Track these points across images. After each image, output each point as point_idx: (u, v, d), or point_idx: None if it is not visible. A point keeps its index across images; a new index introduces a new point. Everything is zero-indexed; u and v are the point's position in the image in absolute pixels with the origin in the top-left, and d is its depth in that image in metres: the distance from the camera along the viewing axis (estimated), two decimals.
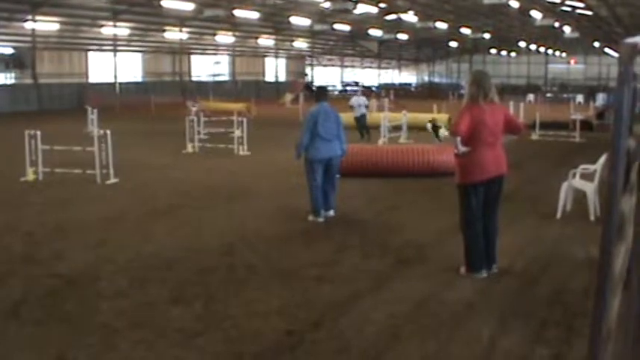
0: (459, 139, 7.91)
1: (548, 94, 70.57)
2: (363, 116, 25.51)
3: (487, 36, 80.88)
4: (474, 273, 8.02)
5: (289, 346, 6.01)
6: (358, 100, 25.96)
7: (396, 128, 25.25)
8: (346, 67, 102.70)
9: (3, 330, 6.50)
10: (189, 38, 66.69)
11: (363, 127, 25.13)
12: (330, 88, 57.43)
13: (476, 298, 7.24)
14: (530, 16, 59.52)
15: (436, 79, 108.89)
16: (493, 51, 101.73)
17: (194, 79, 71.35)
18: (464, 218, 8.11)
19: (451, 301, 7.14)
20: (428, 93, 77.82)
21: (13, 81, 54.70)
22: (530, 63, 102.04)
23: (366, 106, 26.34)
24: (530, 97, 52.05)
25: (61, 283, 7.86)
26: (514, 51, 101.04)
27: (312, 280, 7.90)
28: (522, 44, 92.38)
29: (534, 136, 26.15)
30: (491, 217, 8.16)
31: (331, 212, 11.43)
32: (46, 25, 52.01)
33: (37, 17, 50.35)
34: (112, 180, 15.48)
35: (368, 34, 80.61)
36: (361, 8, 58.33)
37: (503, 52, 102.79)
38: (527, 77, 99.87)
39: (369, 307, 6.98)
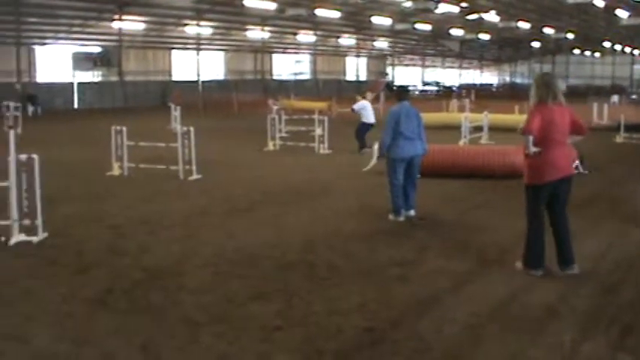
0: (530, 138, 7.95)
1: (634, 96, 68.80)
2: (371, 125, 21.89)
3: (570, 36, 79.31)
4: (531, 270, 8.10)
5: (369, 344, 6.00)
6: (364, 105, 22.27)
7: (477, 129, 24.95)
8: (427, 66, 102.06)
9: (91, 317, 6.67)
10: (271, 37, 67.29)
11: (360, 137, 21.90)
12: (410, 88, 57.05)
13: (557, 302, 7.10)
14: (615, 15, 58.17)
15: (518, 80, 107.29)
16: (576, 51, 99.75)
17: (275, 77, 71.90)
18: (531, 217, 8.22)
19: (532, 304, 7.01)
20: (509, 94, 76.68)
21: (100, 78, 56.03)
22: (615, 63, 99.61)
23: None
24: (615, 98, 50.80)
25: (146, 276, 8.03)
26: (598, 51, 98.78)
27: (392, 279, 7.88)
28: (607, 44, 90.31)
29: (619, 139, 25.46)
30: (562, 216, 8.28)
31: (412, 212, 11.36)
32: (132, 24, 53.27)
33: (124, 17, 51.62)
34: (195, 176, 15.71)
35: (449, 34, 79.98)
36: (443, 8, 57.94)
37: (587, 53, 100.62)
38: (611, 78, 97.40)
39: (449, 308, 6.92)
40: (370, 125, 21.74)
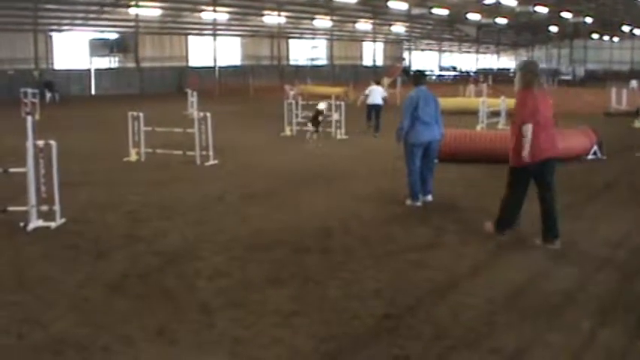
0: (530, 127, 8.41)
1: None
2: (377, 106, 22.95)
3: (589, 20, 78.66)
4: (498, 232, 8.98)
5: (386, 330, 5.98)
6: (374, 89, 23.42)
7: (495, 114, 24.82)
8: (444, 51, 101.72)
9: (108, 302, 6.70)
10: (288, 22, 67.19)
11: (370, 118, 23.06)
12: (427, 73, 56.86)
13: (575, 288, 7.05)
14: None
15: None
16: (595, 36, 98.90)
17: (292, 63, 71.79)
18: (513, 189, 8.92)
19: (549, 291, 6.97)
20: None
21: (117, 65, 56.14)
22: (634, 48, 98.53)
23: (384, 99, 23.48)
24: (634, 83, 50.32)
25: (162, 260, 8.05)
26: (617, 35, 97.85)
27: (409, 264, 7.86)
28: (626, 29, 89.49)
29: (637, 124, 25.25)
30: (548, 193, 8.78)
31: (429, 197, 11.34)
32: (149, 10, 53.31)
33: (140, 3, 51.60)
34: (212, 162, 15.74)
35: (466, 19, 79.58)
36: None
37: (606, 37, 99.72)
38: (630, 63, 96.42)
39: (466, 293, 6.89)
40: (372, 106, 22.98)
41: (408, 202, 11.16)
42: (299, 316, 6.28)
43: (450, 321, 6.16)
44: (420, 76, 12.04)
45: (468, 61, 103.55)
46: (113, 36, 55.17)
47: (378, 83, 24.56)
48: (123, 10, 52.87)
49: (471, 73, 72.41)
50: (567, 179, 13.60)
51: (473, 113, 24.67)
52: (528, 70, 8.82)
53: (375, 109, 22.86)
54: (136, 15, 53.51)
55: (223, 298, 6.75)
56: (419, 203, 11.13)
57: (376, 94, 23.23)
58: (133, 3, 51.53)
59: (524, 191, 8.88)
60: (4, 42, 47.66)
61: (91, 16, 51.78)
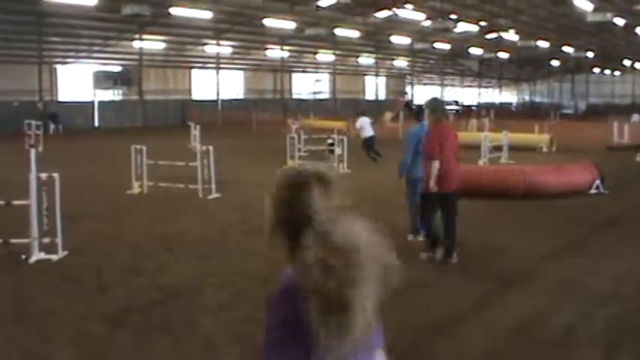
0: (436, 164, 9.29)
1: None
2: (371, 138, 24.45)
3: (590, 54, 79.06)
4: (431, 253, 9.75)
5: None
6: (364, 121, 24.80)
7: (497, 148, 24.86)
8: (446, 85, 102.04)
9: (109, 336, 6.68)
10: (290, 56, 67.53)
11: (371, 149, 24.31)
12: None
13: (577, 324, 7.03)
14: (636, 33, 58.04)
15: (537, 99, 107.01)
16: (596, 70, 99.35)
17: (295, 96, 72.06)
18: (425, 215, 9.90)
19: (553, 326, 6.95)
20: (529, 113, 76.45)
21: (120, 97, 56.40)
22: (635, 82, 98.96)
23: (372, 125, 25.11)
24: (635, 117, 50.48)
25: (164, 295, 8.03)
26: (618, 70, 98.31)
27: (410, 300, 7.82)
28: (627, 63, 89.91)
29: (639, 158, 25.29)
30: (450, 219, 9.76)
31: None
32: (153, 44, 53.67)
33: (144, 36, 52.00)
34: (214, 195, 15.75)
35: (468, 53, 79.97)
36: (462, 27, 57.99)
37: (607, 71, 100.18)
38: (631, 96, 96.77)
39: (468, 330, 6.87)
40: (371, 137, 24.38)
41: (410, 237, 11.14)
42: None
43: (453, 358, 6.13)
44: (422, 112, 12.06)
45: (470, 95, 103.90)
46: (117, 69, 55.47)
47: (363, 114, 25.81)
48: (127, 43, 53.21)
49: (473, 108, 72.65)
50: (570, 214, 13.62)
51: (475, 147, 24.70)
52: (435, 107, 9.70)
53: (371, 140, 24.35)
54: (140, 48, 53.85)
55: (227, 333, 6.73)
56: (421, 238, 11.10)
57: (367, 125, 24.67)
58: (137, 36, 51.93)
59: (436, 212, 9.74)
60: (10, 74, 47.90)
61: (95, 48, 52.10)
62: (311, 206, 2.28)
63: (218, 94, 60.16)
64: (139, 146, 16.50)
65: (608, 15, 45.83)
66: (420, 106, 13.31)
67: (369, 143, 24.45)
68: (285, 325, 2.14)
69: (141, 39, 52.78)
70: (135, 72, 55.45)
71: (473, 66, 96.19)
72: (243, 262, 9.68)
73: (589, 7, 46.51)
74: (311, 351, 2.02)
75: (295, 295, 2.06)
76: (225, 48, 59.91)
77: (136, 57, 54.47)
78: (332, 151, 22.85)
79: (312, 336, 1.99)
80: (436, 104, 9.80)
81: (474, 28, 59.30)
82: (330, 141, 23.41)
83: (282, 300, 2.20)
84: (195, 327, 6.93)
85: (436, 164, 9.28)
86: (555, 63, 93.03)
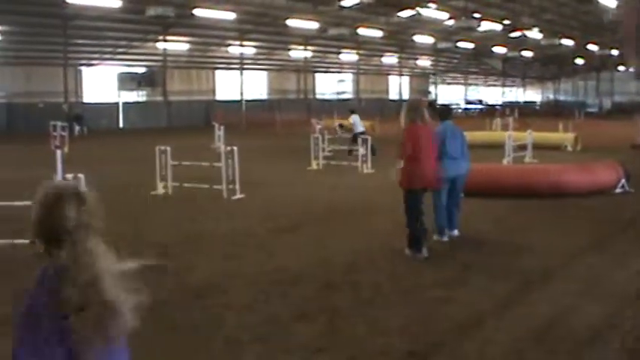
0: (401, 162, 10.00)
1: None
2: (361, 134, 25.67)
3: (615, 52, 78.39)
4: (415, 253, 9.90)
5: None
6: (355, 118, 26.89)
7: (521, 147, 24.73)
8: (470, 84, 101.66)
9: (134, 335, 6.71)
10: (314, 57, 67.57)
11: (355, 143, 25.39)
12: (453, 106, 56.82)
13: (602, 323, 7.00)
14: None
15: (561, 97, 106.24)
16: (621, 68, 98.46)
17: (318, 96, 72.07)
18: (409, 212, 10.08)
19: (577, 327, 6.92)
20: (553, 111, 75.92)
21: (144, 98, 56.70)
22: None
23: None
24: None
25: (189, 295, 8.09)
26: None
27: (435, 300, 7.83)
28: None
29: None
30: (423, 217, 10.19)
31: (455, 232, 11.31)
32: (177, 45, 53.90)
33: (168, 38, 52.24)
34: (238, 195, 15.79)
35: (492, 52, 79.67)
36: (485, 26, 57.71)
37: (632, 69, 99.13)
38: None
39: (492, 330, 6.85)
40: (361, 133, 25.64)
41: (435, 237, 11.13)
42: (325, 352, 6.28)
43: (477, 358, 6.13)
44: (446, 111, 12.09)
45: (494, 94, 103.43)
46: (141, 70, 55.81)
47: (353, 112, 27.71)
48: (151, 44, 53.51)
49: (497, 107, 72.31)
50: (595, 213, 13.54)
51: (499, 147, 24.59)
52: (411, 108, 10.17)
53: (360, 135, 25.23)
54: (164, 49, 54.12)
55: (250, 333, 6.77)
56: (445, 238, 11.10)
57: (358, 122, 26.72)
58: (161, 38, 52.20)
59: (419, 209, 10.07)
60: (36, 76, 48.41)
61: (120, 50, 52.44)
62: (65, 218, 2.67)
63: (242, 94, 60.33)
64: (163, 147, 16.60)
65: None
66: (444, 106, 13.32)
67: (356, 138, 25.60)
68: (34, 310, 2.57)
69: (165, 40, 53.05)
70: (159, 73, 55.76)
71: (497, 65, 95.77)
72: (267, 262, 9.71)
73: (613, 4, 46.15)
74: (59, 339, 2.52)
75: (46, 288, 2.57)
76: (248, 48, 60.06)
77: (160, 58, 54.77)
78: (351, 151, 24.35)
79: (57, 325, 2.51)
80: (411, 106, 10.27)
81: (497, 26, 59.05)
82: (337, 123, 26.11)
83: (37, 290, 2.61)
84: (219, 326, 6.97)
85: (400, 163, 10.01)
86: (580, 61, 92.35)
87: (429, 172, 10.05)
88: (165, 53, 54.57)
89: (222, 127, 29.27)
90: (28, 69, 48.48)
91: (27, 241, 9.72)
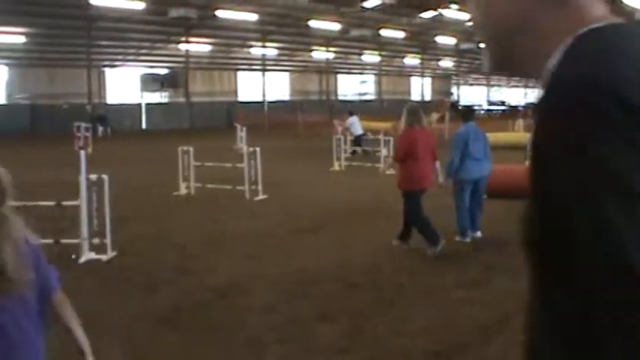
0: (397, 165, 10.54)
1: None
2: (360, 136, 27.19)
3: None
4: (433, 246, 10.09)
5: None
6: (353, 120, 27.68)
7: None
8: (492, 86, 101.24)
9: (157, 336, 6.75)
10: (336, 58, 67.58)
11: (359, 145, 26.82)
12: (475, 108, 56.62)
13: None
14: None
15: None
16: None
17: (340, 98, 72.05)
18: (413, 212, 10.45)
19: None
20: None
21: (167, 99, 56.94)
22: None
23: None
24: None
25: (212, 295, 8.10)
26: None
27: (458, 301, 7.79)
28: None
29: None
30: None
31: (478, 233, 11.25)
32: (199, 46, 54.11)
33: (191, 39, 52.46)
34: (261, 196, 15.81)
35: None
36: None
37: None
38: None
39: (516, 331, 6.78)
40: (362, 135, 27.25)
41: (458, 238, 11.09)
42: (348, 353, 6.26)
43: (500, 359, 6.08)
44: (469, 112, 12.02)
45: (517, 95, 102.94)
46: (164, 71, 56.08)
47: (352, 114, 28.46)
48: (173, 45, 53.75)
49: (520, 108, 71.90)
50: None
51: (522, 148, 24.42)
52: (409, 112, 10.57)
53: (359, 138, 26.87)
54: (187, 51, 54.35)
55: (273, 333, 6.76)
56: (468, 239, 11.05)
57: (356, 123, 27.55)
58: (183, 39, 52.42)
59: (420, 208, 10.40)
60: (59, 77, 48.80)
61: (143, 51, 52.74)
62: None
63: (264, 95, 60.47)
64: (185, 148, 16.64)
65: None
66: (466, 107, 13.27)
67: (358, 140, 27.01)
68: None
69: (187, 41, 53.28)
70: (181, 74, 56.00)
71: None
72: (289, 263, 9.71)
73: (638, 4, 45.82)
74: None
75: None
76: (270, 50, 60.18)
77: (182, 59, 55.01)
78: (354, 152, 25.54)
79: None
80: (409, 111, 10.66)
81: None
82: (350, 111, 27.69)
83: None
84: (241, 327, 6.97)
85: (395, 165, 10.57)
86: None
87: (427, 175, 10.42)
88: (187, 54, 54.80)
89: (244, 128, 29.31)
90: (51, 70, 48.87)
91: (50, 241, 9.79)
